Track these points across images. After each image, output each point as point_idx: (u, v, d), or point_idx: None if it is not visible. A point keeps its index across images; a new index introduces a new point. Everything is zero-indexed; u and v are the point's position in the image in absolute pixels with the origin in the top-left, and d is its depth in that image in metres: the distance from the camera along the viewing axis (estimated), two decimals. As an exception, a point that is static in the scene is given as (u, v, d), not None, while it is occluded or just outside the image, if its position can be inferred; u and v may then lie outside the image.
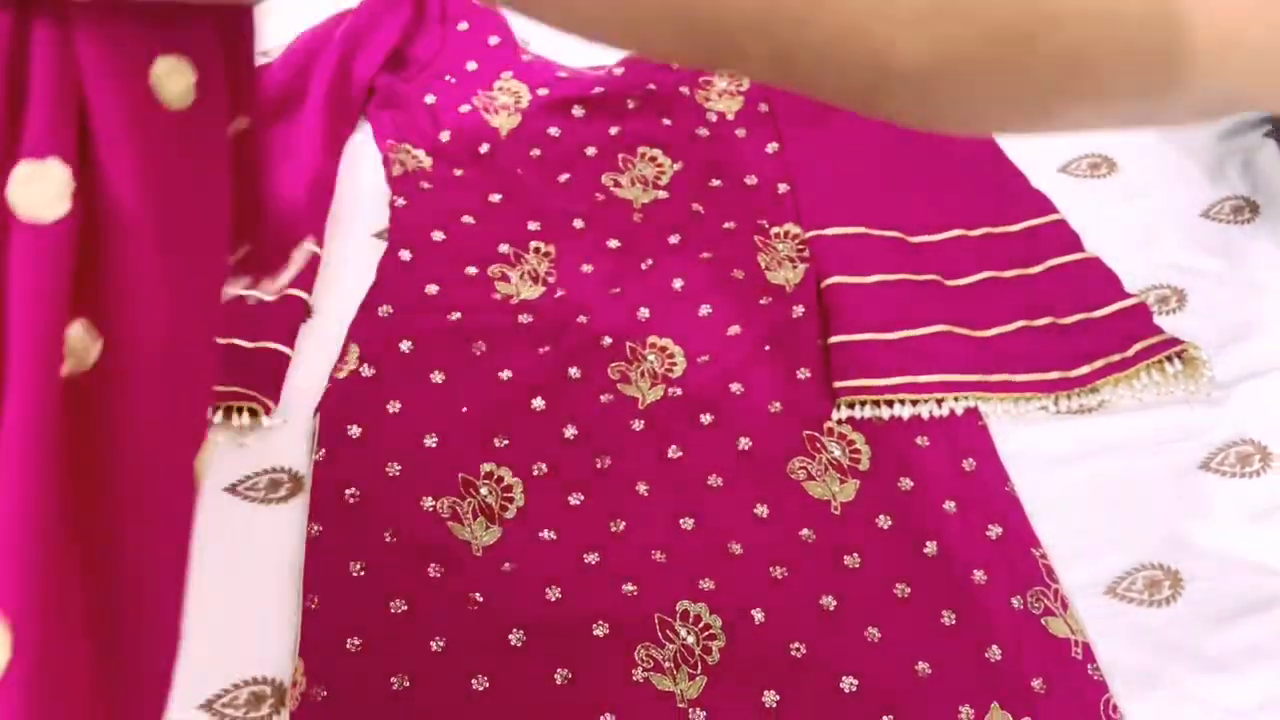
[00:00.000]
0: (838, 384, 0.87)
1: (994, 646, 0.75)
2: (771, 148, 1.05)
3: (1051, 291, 0.94)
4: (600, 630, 0.74)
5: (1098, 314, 0.92)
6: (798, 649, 0.74)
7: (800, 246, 0.97)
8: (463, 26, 1.14)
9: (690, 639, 0.74)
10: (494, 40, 1.14)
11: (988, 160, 1.04)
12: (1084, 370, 0.88)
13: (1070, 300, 0.93)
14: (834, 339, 0.90)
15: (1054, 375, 0.88)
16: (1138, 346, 0.89)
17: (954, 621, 0.76)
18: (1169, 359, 0.89)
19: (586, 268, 0.95)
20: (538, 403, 0.85)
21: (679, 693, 0.72)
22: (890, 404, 0.86)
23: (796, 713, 0.71)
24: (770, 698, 0.72)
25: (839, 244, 0.96)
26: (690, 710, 0.71)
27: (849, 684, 0.73)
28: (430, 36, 1.12)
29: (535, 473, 0.81)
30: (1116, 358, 0.89)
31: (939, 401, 0.87)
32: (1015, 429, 0.87)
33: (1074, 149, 1.07)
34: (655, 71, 1.10)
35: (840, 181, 1.01)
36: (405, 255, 0.94)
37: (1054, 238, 0.97)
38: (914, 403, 0.87)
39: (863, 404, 0.86)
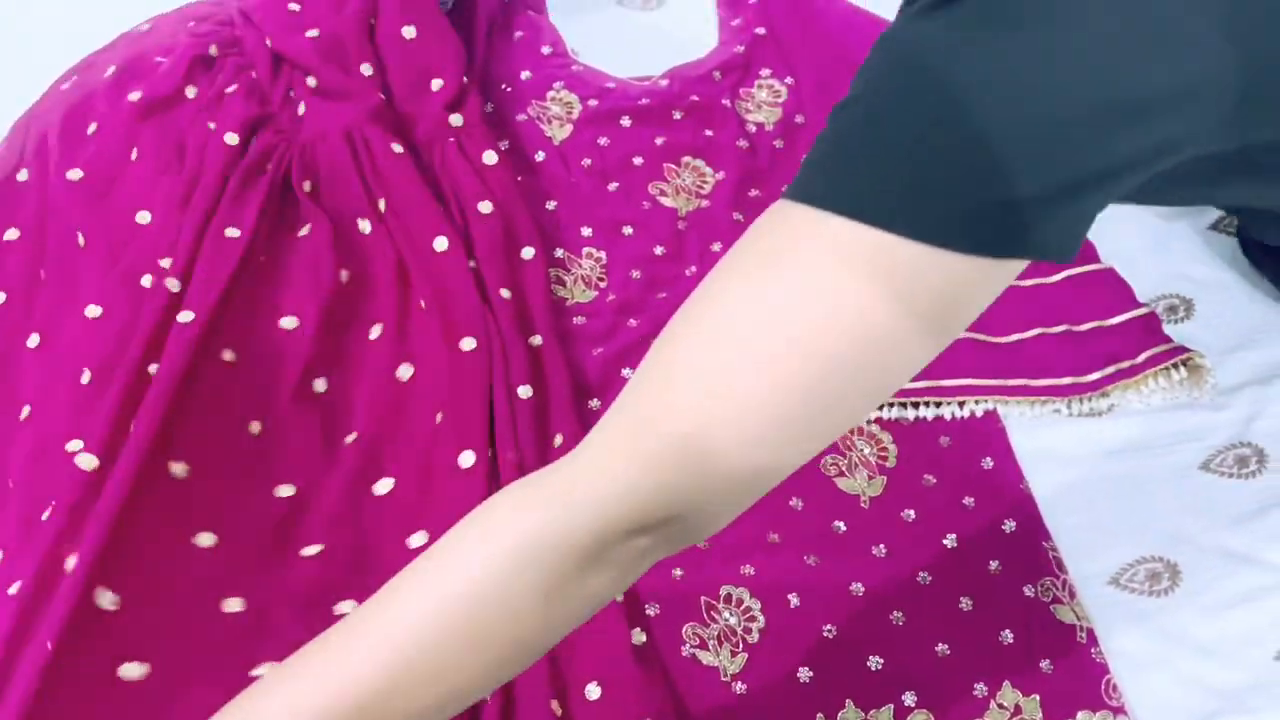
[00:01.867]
0: (868, 387, 0.94)
1: (1006, 631, 0.83)
2: (807, 158, 1.12)
3: (1068, 300, 1.00)
4: (652, 610, 0.82)
5: (1110, 322, 0.99)
6: (830, 630, 0.82)
7: (834, 255, 1.04)
8: (518, 35, 1.21)
9: (733, 620, 0.82)
10: (546, 50, 1.20)
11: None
12: (1095, 376, 0.95)
13: (1085, 309, 0.99)
14: (865, 344, 0.97)
15: (1068, 381, 0.95)
16: (1147, 354, 0.96)
17: (971, 607, 0.84)
18: (1175, 366, 0.96)
19: (635, 274, 1.02)
20: (594, 403, 0.93)
21: (722, 667, 0.80)
22: (916, 405, 0.94)
23: (828, 688, 0.80)
24: (805, 674, 0.80)
25: (870, 253, 1.03)
26: (733, 683, 0.80)
27: (875, 663, 0.81)
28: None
29: (591, 466, 0.89)
30: (1126, 364, 0.96)
31: (961, 404, 0.94)
32: (1031, 430, 0.95)
33: (1093, 161, 1.13)
34: (699, 83, 1.17)
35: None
36: (470, 260, 1.01)
37: (1072, 249, 1.04)
38: (938, 405, 0.94)
39: (891, 405, 0.94)
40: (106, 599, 0.72)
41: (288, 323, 0.91)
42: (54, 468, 0.80)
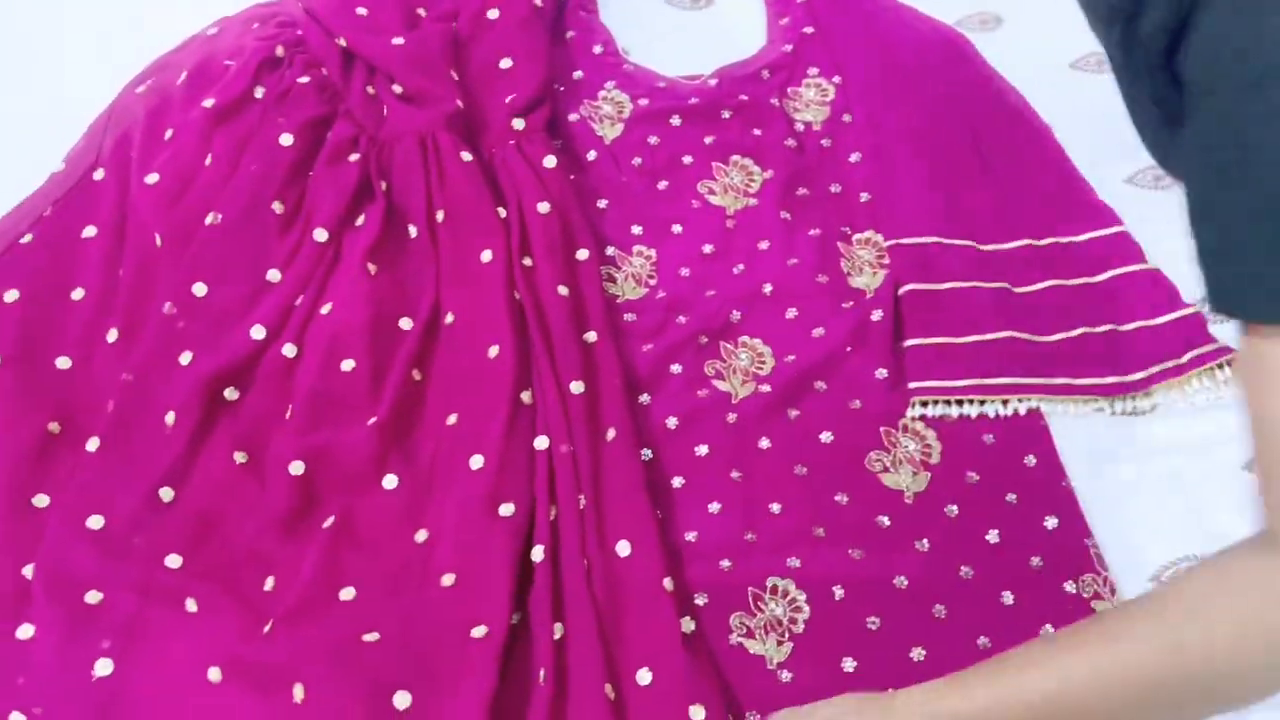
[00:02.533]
0: (913, 384, 0.96)
1: (1048, 625, 0.84)
2: (854, 157, 1.14)
3: (1113, 300, 1.01)
4: (701, 600, 0.85)
5: (1156, 322, 1.00)
6: (873, 622, 0.85)
7: (880, 254, 1.06)
8: (570, 35, 1.24)
9: (779, 610, 0.85)
10: (598, 49, 1.23)
11: (1057, 172, 1.11)
12: (1139, 376, 0.97)
13: (1130, 308, 1.01)
14: (910, 342, 0.99)
15: (1111, 380, 0.97)
16: (1191, 354, 0.97)
17: (1013, 602, 0.86)
18: (1220, 366, 0.97)
19: (684, 271, 1.05)
20: (644, 398, 0.96)
21: (768, 656, 0.83)
22: (960, 403, 0.96)
23: (871, 679, 0.82)
24: (849, 664, 0.83)
25: (916, 252, 1.05)
26: (778, 672, 0.82)
27: (918, 654, 0.83)
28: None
29: (643, 458, 0.92)
30: (1171, 364, 0.97)
31: (1004, 402, 0.96)
32: (1074, 428, 0.96)
33: (1141, 160, 1.13)
34: (747, 83, 1.19)
35: (918, 192, 1.09)
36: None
37: (1118, 249, 1.05)
38: (982, 403, 0.96)
39: (935, 403, 0.96)
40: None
41: (325, 309, 0.95)
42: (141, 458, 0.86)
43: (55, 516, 0.84)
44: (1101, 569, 0.87)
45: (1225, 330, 1.01)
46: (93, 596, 0.80)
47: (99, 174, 1.03)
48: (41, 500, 0.86)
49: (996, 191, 1.10)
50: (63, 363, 0.93)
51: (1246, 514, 0.90)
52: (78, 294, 0.96)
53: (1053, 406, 0.97)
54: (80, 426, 0.89)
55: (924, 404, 0.96)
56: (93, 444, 0.87)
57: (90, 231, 1.00)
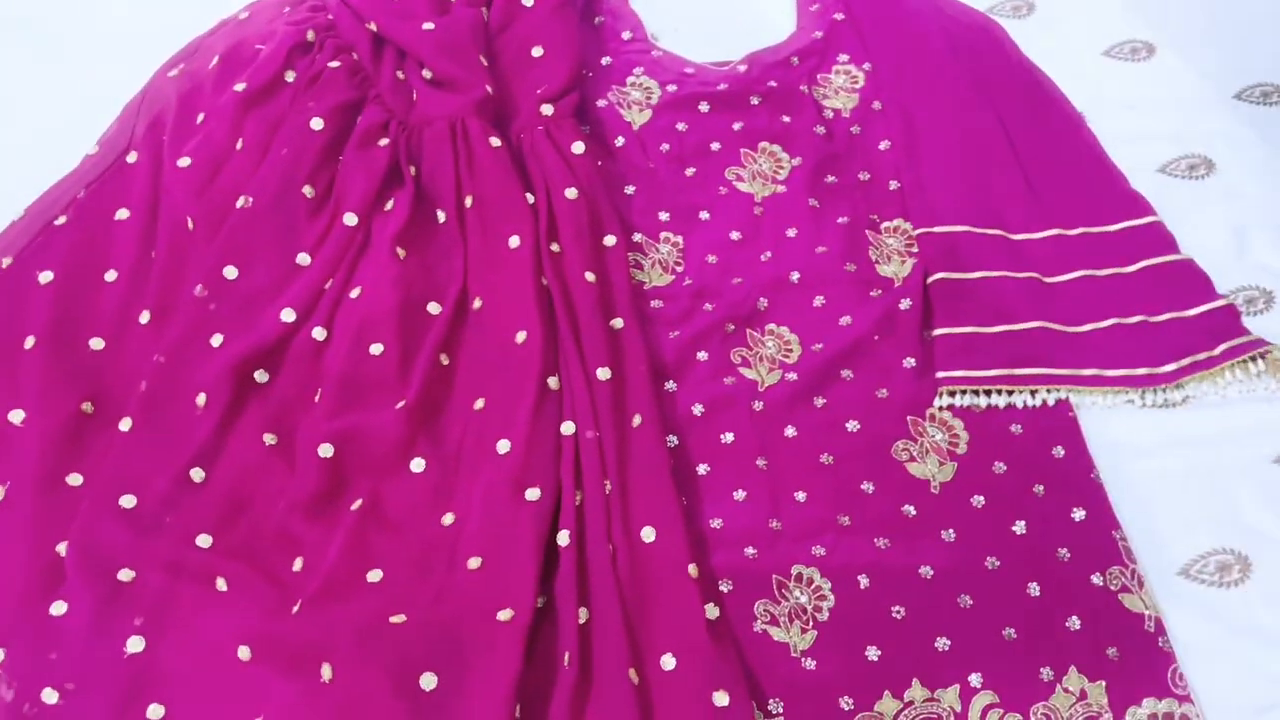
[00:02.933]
0: (940, 374, 0.96)
1: (1074, 617, 0.84)
2: (884, 145, 1.13)
3: (1145, 291, 1.00)
4: (725, 586, 0.85)
5: (1188, 313, 0.99)
6: (898, 612, 0.84)
7: (909, 242, 1.05)
8: (599, 21, 1.23)
9: (803, 598, 0.85)
10: (627, 35, 1.22)
11: (1089, 161, 1.10)
12: (1171, 368, 0.96)
13: (1162, 300, 1.00)
14: (938, 331, 0.99)
15: (1142, 371, 0.96)
16: (1224, 346, 0.96)
17: (1039, 593, 0.85)
18: (1253, 359, 0.96)
19: (711, 258, 1.05)
20: (670, 385, 0.96)
21: (792, 643, 0.83)
22: (988, 393, 0.95)
23: (895, 667, 0.82)
24: (873, 653, 0.83)
25: (945, 241, 1.04)
26: (802, 659, 0.83)
27: (943, 644, 0.83)
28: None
29: (669, 444, 0.92)
30: (1203, 356, 0.96)
31: (1033, 393, 0.95)
32: (1103, 419, 0.95)
33: (1174, 150, 1.12)
34: (777, 69, 1.18)
35: (948, 180, 1.08)
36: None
37: (1150, 239, 1.04)
38: (1010, 393, 0.95)
39: (963, 393, 0.95)
40: None
41: (355, 293, 0.96)
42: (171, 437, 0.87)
43: (88, 495, 0.85)
44: (1129, 562, 0.87)
45: (1258, 322, 1.00)
46: (125, 574, 0.82)
47: (132, 157, 1.04)
48: (75, 479, 0.87)
49: (1027, 180, 1.09)
50: (96, 343, 0.94)
51: (1277, 507, 0.90)
52: (111, 276, 0.97)
53: (1082, 398, 0.96)
54: (113, 407, 0.90)
55: (952, 393, 0.95)
56: (125, 424, 0.88)
57: (123, 214, 1.01)
